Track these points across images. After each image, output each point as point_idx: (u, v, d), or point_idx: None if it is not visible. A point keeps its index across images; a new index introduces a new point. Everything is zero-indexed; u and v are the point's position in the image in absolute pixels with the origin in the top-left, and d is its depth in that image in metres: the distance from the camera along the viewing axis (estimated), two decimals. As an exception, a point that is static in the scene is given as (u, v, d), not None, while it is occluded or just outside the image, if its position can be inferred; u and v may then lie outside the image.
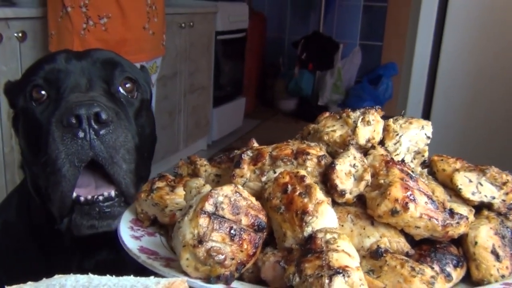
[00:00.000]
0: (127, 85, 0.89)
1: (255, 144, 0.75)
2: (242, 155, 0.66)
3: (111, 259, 0.92)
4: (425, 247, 0.61)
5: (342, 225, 0.61)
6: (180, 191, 0.67)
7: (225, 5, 3.84)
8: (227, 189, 0.57)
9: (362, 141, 0.67)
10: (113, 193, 0.82)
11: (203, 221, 0.55)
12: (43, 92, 0.83)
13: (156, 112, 3.24)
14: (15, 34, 2.22)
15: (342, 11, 5.01)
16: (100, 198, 0.81)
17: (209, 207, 0.56)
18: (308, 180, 0.60)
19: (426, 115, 1.95)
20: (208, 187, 0.62)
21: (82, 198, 0.81)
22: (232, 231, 0.56)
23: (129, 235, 0.64)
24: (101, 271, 0.92)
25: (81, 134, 0.75)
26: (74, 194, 0.80)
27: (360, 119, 0.68)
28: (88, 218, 0.80)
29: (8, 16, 2.20)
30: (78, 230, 0.81)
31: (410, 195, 0.57)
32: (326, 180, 0.63)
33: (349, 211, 0.62)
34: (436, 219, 0.57)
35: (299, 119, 4.84)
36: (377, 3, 4.89)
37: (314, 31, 4.82)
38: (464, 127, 1.82)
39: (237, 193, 0.58)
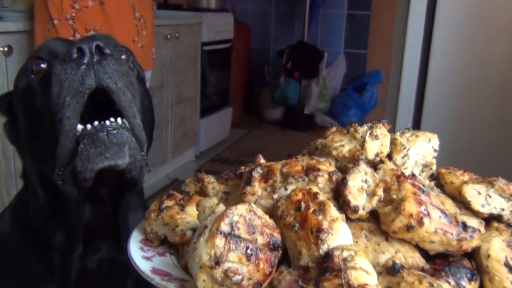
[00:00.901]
0: (123, 56, 0.89)
1: (262, 160, 0.75)
2: (252, 172, 0.66)
3: (112, 257, 0.91)
4: (438, 262, 0.61)
5: (357, 241, 0.61)
6: (190, 210, 0.66)
7: (210, 16, 3.85)
8: (241, 208, 0.57)
9: (371, 155, 0.67)
10: (119, 120, 0.76)
11: (219, 241, 0.54)
12: (42, 65, 0.82)
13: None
14: (1, 49, 2.19)
15: (326, 19, 5.05)
16: (107, 123, 0.75)
17: (224, 227, 0.55)
18: (322, 197, 0.60)
19: (416, 123, 1.97)
20: (222, 207, 0.61)
21: (88, 126, 0.74)
22: (248, 251, 0.55)
23: (140, 256, 0.63)
24: (103, 272, 0.91)
25: (84, 62, 0.73)
26: (80, 127, 0.75)
27: (368, 133, 0.68)
28: (96, 145, 0.73)
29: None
30: (86, 163, 0.74)
31: (424, 209, 0.58)
32: (338, 196, 0.63)
33: (363, 227, 0.62)
34: (451, 233, 0.58)
35: (286, 128, 4.86)
36: (360, 12, 4.94)
37: (299, 40, 4.85)
38: (454, 135, 1.84)
39: (252, 212, 0.58)
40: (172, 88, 3.46)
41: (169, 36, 3.29)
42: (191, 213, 0.66)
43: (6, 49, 2.21)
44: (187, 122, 3.72)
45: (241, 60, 4.80)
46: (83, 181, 0.76)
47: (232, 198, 0.71)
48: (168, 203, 0.69)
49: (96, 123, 0.74)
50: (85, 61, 0.73)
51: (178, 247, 0.68)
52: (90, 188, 0.80)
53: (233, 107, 4.49)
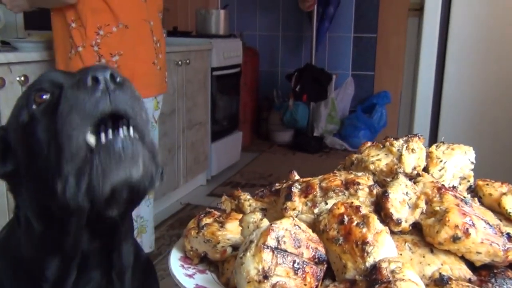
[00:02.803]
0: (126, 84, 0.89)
1: (296, 177, 0.75)
2: (292, 187, 0.66)
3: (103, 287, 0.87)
4: (484, 273, 0.61)
5: (401, 254, 0.61)
6: (230, 226, 0.66)
7: (219, 41, 3.89)
8: (286, 223, 0.57)
9: (408, 169, 0.68)
10: (132, 131, 0.73)
11: (266, 255, 0.55)
12: (45, 96, 0.79)
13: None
14: (17, 78, 2.22)
15: (333, 43, 5.11)
16: (121, 135, 0.71)
17: (271, 241, 0.55)
18: (364, 210, 0.60)
19: (433, 141, 1.97)
20: (266, 222, 0.61)
21: (103, 138, 0.71)
22: (295, 265, 0.55)
23: (183, 274, 0.63)
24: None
25: (100, 88, 0.71)
26: (93, 139, 0.71)
27: (404, 147, 0.69)
28: (112, 157, 0.70)
29: (10, 61, 2.21)
30: (103, 176, 0.70)
31: (469, 220, 0.58)
32: (380, 209, 0.63)
33: (406, 240, 0.62)
34: (497, 244, 0.58)
35: (296, 151, 4.86)
36: (367, 34, 5.00)
37: (307, 63, 4.89)
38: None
39: (296, 226, 0.58)
40: (184, 113, 3.48)
41: (180, 62, 3.33)
42: (231, 230, 0.66)
43: (22, 78, 2.24)
44: (198, 146, 3.73)
45: (250, 84, 4.84)
46: (99, 196, 0.72)
47: (270, 214, 0.71)
48: (207, 220, 0.69)
49: (110, 134, 0.71)
50: (101, 87, 0.72)
51: (217, 264, 0.68)
52: (92, 212, 0.77)
53: (243, 131, 4.51)
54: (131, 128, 0.72)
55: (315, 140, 4.86)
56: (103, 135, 0.70)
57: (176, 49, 3.33)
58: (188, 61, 3.45)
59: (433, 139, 2.01)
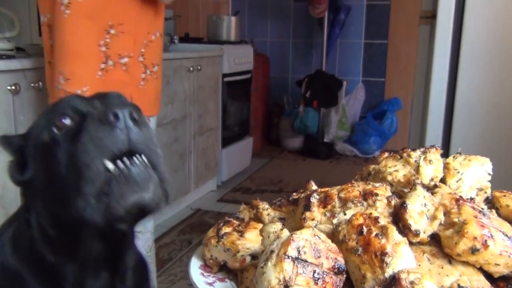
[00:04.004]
0: (136, 114, 0.94)
1: (314, 186, 0.76)
2: (310, 198, 0.67)
3: (109, 286, 0.93)
4: (502, 284, 0.61)
5: (419, 265, 0.61)
6: (249, 235, 0.67)
7: (230, 48, 3.92)
8: (306, 233, 0.58)
9: (426, 180, 0.69)
10: (145, 159, 0.79)
11: (287, 265, 0.56)
12: (65, 121, 0.85)
13: (167, 155, 3.27)
14: (32, 85, 2.25)
15: (344, 49, 5.12)
16: (136, 161, 0.78)
17: (292, 251, 0.56)
18: (383, 221, 0.61)
19: (445, 150, 1.97)
20: (286, 232, 0.62)
21: (120, 164, 0.77)
22: (315, 275, 0.56)
23: (203, 282, 0.64)
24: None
25: (119, 126, 0.76)
26: (111, 165, 0.77)
27: (422, 158, 0.69)
28: (128, 182, 0.77)
29: (25, 67, 2.24)
30: (119, 199, 0.78)
31: (488, 232, 0.58)
32: (398, 220, 0.64)
33: (424, 250, 0.62)
34: (516, 255, 0.58)
35: (306, 156, 4.87)
36: (377, 40, 5.00)
37: (317, 69, 4.91)
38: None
39: (316, 236, 0.59)
40: (195, 119, 3.50)
41: (191, 69, 3.36)
42: (250, 239, 0.67)
43: (37, 84, 2.27)
44: (209, 152, 3.75)
45: (261, 90, 4.86)
46: (115, 215, 0.79)
47: (288, 223, 0.72)
48: (226, 229, 0.70)
49: (126, 161, 0.78)
50: (121, 126, 0.77)
51: (237, 272, 0.69)
52: (104, 225, 0.82)
53: (254, 136, 4.52)
54: (145, 158, 0.79)
55: (325, 146, 4.87)
56: (120, 162, 0.77)
57: (187, 55, 3.36)
58: (199, 67, 3.47)
59: (445, 146, 2.01)
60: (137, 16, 1.73)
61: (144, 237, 2.24)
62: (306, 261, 0.57)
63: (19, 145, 0.97)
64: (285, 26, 5.31)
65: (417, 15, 4.48)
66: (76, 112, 0.86)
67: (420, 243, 0.63)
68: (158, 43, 1.83)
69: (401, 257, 0.58)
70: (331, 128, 4.83)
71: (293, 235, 0.57)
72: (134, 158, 0.78)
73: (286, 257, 0.56)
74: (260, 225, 0.70)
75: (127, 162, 0.78)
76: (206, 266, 0.70)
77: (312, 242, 0.58)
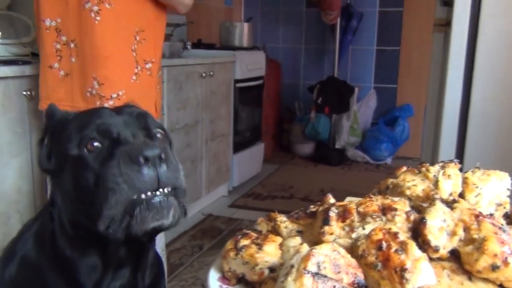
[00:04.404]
0: (159, 135, 0.98)
1: (332, 200, 0.77)
2: (329, 212, 0.67)
3: (131, 283, 0.98)
4: (522, 301, 0.61)
5: (439, 281, 0.61)
6: (268, 248, 0.68)
7: (243, 54, 3.93)
8: (326, 248, 0.59)
9: (445, 195, 0.69)
10: (171, 215, 0.85)
11: (307, 281, 0.56)
12: (96, 144, 0.90)
13: (179, 161, 3.28)
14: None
15: (356, 55, 5.12)
16: (160, 192, 0.84)
17: (311, 266, 0.57)
18: (402, 237, 0.61)
19: (459, 157, 1.96)
20: (306, 246, 0.63)
21: (143, 195, 0.83)
22: (335, 290, 0.57)
23: (222, 295, 0.65)
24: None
25: (149, 170, 0.82)
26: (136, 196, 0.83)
27: (441, 173, 0.69)
28: (150, 210, 0.83)
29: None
30: (141, 225, 0.84)
31: (508, 249, 0.58)
32: (417, 235, 0.64)
33: (444, 266, 0.62)
34: (537, 273, 0.58)
35: (317, 163, 4.86)
36: (390, 47, 5.00)
37: (329, 75, 4.91)
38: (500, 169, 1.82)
39: (335, 251, 0.59)
40: (207, 125, 3.52)
41: (204, 74, 3.37)
42: (269, 252, 0.67)
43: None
44: (220, 158, 3.76)
45: (272, 96, 4.87)
46: (134, 236, 0.86)
47: (306, 236, 0.72)
48: (244, 242, 0.70)
49: (150, 192, 0.84)
50: (150, 170, 0.82)
51: (255, 285, 0.69)
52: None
53: (265, 142, 4.53)
54: (169, 189, 0.85)
55: (337, 152, 4.86)
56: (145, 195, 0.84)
57: (200, 61, 3.38)
58: (212, 73, 3.48)
59: (459, 154, 2.00)
60: (155, 23, 1.79)
61: (157, 237, 2.27)
62: (326, 276, 0.57)
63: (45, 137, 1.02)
64: (297, 33, 5.32)
65: (430, 22, 4.46)
66: (106, 136, 0.91)
67: (440, 259, 0.63)
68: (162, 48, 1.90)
69: (421, 273, 0.58)
70: (343, 134, 4.82)
71: (313, 250, 0.58)
72: (160, 190, 0.83)
73: (306, 272, 0.56)
74: (279, 238, 0.70)
75: (152, 193, 0.84)
76: (224, 278, 0.70)
77: (332, 257, 0.58)
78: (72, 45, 1.71)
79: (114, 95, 1.70)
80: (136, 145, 0.86)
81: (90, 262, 0.97)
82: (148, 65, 1.76)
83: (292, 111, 5.26)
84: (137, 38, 1.73)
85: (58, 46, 1.73)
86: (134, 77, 1.73)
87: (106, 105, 1.69)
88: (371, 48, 5.05)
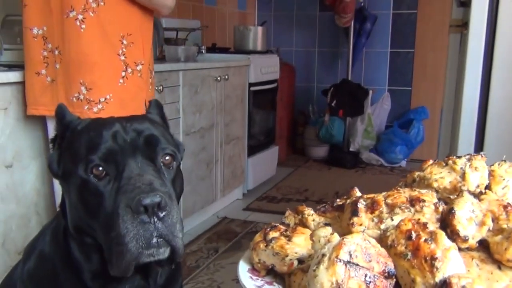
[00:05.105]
0: (167, 158, 1.01)
1: (358, 193, 0.78)
2: (358, 204, 0.68)
3: (141, 286, 1.01)
4: (552, 290, 0.61)
5: (468, 270, 0.62)
6: (297, 240, 0.69)
7: (257, 57, 3.95)
8: (357, 237, 0.60)
9: (472, 187, 0.69)
10: (168, 252, 0.90)
11: (339, 269, 0.57)
12: (101, 169, 0.94)
13: (195, 164, 3.30)
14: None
15: (370, 58, 5.11)
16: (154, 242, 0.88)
17: (344, 255, 0.58)
18: (432, 227, 0.62)
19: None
20: (337, 236, 0.64)
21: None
22: (367, 278, 0.58)
23: (253, 285, 0.66)
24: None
25: (147, 219, 0.87)
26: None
27: (468, 165, 0.70)
28: (148, 247, 0.88)
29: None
30: (138, 259, 0.89)
31: (538, 238, 0.59)
32: (446, 226, 0.64)
33: (473, 256, 0.63)
34: None
35: (331, 166, 4.86)
36: (404, 49, 4.99)
37: (343, 78, 4.91)
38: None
39: (366, 241, 0.60)
40: (222, 128, 3.53)
41: (218, 78, 3.39)
42: (298, 243, 0.69)
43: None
44: (235, 161, 3.77)
45: (286, 99, 4.88)
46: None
47: (334, 229, 0.73)
48: (274, 234, 0.72)
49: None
50: (147, 219, 0.87)
51: (284, 276, 0.71)
52: None
53: (279, 145, 4.53)
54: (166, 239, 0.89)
55: (351, 155, 4.85)
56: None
57: (215, 65, 3.40)
58: (226, 76, 3.50)
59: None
60: (142, 26, 1.85)
61: None
62: (357, 264, 0.58)
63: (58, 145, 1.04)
64: (311, 36, 5.33)
65: (444, 24, 4.46)
66: (112, 165, 0.94)
67: (469, 248, 0.64)
68: (152, 49, 1.95)
69: (451, 262, 0.59)
70: (357, 137, 4.81)
71: (345, 239, 0.59)
72: (156, 239, 0.88)
73: (338, 260, 0.57)
74: (307, 230, 0.71)
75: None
76: (254, 270, 0.71)
77: (363, 246, 0.59)
78: (56, 52, 1.78)
79: (103, 99, 1.76)
80: (137, 192, 0.89)
81: (93, 267, 1.00)
82: (139, 67, 1.83)
83: (306, 114, 5.26)
84: (125, 42, 1.79)
85: (45, 53, 1.80)
86: (121, 81, 1.79)
87: (95, 109, 1.76)
88: (385, 50, 5.05)
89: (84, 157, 0.95)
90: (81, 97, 1.76)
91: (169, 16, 3.87)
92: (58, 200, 1.86)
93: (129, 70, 1.81)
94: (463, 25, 2.38)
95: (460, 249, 0.64)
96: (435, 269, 0.58)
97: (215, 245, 3.04)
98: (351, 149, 4.85)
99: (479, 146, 1.96)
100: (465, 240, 0.63)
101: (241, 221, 3.45)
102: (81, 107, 1.75)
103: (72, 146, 1.01)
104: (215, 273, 2.64)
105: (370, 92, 4.80)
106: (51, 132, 1.85)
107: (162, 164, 1.00)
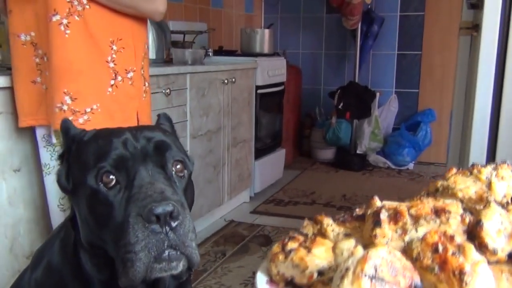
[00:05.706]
0: (178, 166, 1.00)
1: (378, 202, 0.75)
2: (380, 214, 0.66)
3: None
4: None
5: (498, 284, 0.60)
6: (317, 251, 0.67)
7: (264, 60, 3.93)
8: (382, 250, 0.57)
9: (498, 197, 0.67)
10: (181, 266, 0.90)
11: (365, 283, 0.55)
12: (111, 177, 0.93)
13: (202, 167, 3.29)
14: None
15: (377, 60, 5.09)
16: (166, 254, 0.88)
17: (369, 269, 0.56)
18: (459, 239, 0.59)
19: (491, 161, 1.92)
20: (361, 249, 0.62)
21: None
22: (393, 294, 0.55)
23: (273, 298, 0.64)
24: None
25: (158, 229, 0.87)
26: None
27: (494, 174, 0.68)
28: (160, 261, 0.88)
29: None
30: (150, 274, 0.89)
31: None
32: (473, 238, 0.62)
33: (503, 269, 0.61)
34: None
35: (338, 168, 4.83)
36: (411, 52, 4.97)
37: (350, 81, 4.89)
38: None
39: (392, 254, 0.58)
40: (229, 131, 3.52)
41: (226, 81, 3.38)
42: (319, 255, 0.67)
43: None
44: (242, 164, 3.76)
45: (293, 102, 4.86)
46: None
47: (355, 239, 0.71)
48: (293, 245, 0.70)
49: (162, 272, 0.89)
50: (159, 229, 0.87)
51: (303, 289, 0.68)
52: None
53: (286, 148, 4.52)
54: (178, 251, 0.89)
55: (358, 157, 4.83)
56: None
57: (222, 68, 3.39)
58: (233, 79, 3.49)
59: (490, 160, 1.96)
60: (133, 29, 1.72)
61: None
62: (383, 279, 0.56)
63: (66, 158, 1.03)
64: (317, 38, 5.32)
65: (452, 26, 4.42)
66: (123, 172, 0.93)
67: (497, 262, 0.62)
68: (147, 54, 1.85)
69: (481, 277, 0.57)
70: (364, 140, 4.79)
71: (369, 253, 0.57)
72: (169, 251, 0.88)
73: (364, 275, 0.55)
74: (327, 241, 0.69)
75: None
76: (273, 282, 0.69)
77: (388, 260, 0.57)
78: (45, 58, 1.66)
79: (88, 109, 1.64)
80: (149, 201, 0.88)
81: (104, 279, 0.99)
82: (130, 74, 1.70)
83: (312, 117, 5.25)
84: (115, 47, 1.67)
85: (38, 60, 1.68)
86: (109, 89, 1.66)
87: (80, 120, 1.63)
88: (392, 53, 5.02)
89: (93, 165, 0.94)
90: (65, 107, 1.62)
91: (176, 19, 3.87)
92: (50, 199, 1.83)
93: (119, 78, 1.67)
94: (474, 27, 2.35)
95: (488, 262, 0.62)
96: (464, 284, 0.56)
97: (223, 249, 3.02)
98: (358, 152, 4.83)
99: (492, 150, 1.93)
100: (494, 253, 0.60)
101: (248, 224, 3.44)
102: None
103: (80, 157, 1.00)
104: (222, 277, 2.63)
105: (377, 94, 4.78)
106: (40, 140, 1.78)
107: (173, 172, 0.98)
